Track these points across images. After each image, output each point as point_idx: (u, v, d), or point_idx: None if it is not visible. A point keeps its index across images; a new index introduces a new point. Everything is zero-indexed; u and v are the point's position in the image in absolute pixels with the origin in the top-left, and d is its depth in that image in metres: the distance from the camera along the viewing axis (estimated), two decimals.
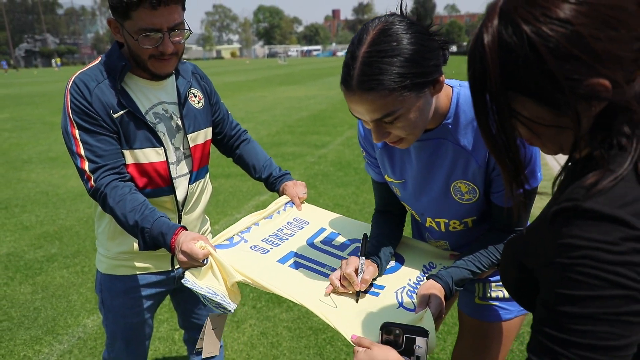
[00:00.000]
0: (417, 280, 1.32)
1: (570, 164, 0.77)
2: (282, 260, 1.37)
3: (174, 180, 1.57)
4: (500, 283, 1.40)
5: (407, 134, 1.09)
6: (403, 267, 1.39)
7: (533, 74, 0.68)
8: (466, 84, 1.22)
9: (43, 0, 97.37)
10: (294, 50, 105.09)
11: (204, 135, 1.66)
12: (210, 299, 1.24)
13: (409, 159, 1.29)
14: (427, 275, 1.29)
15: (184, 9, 1.39)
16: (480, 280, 1.41)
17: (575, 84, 0.66)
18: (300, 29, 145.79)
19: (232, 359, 2.63)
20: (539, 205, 1.13)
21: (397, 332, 0.99)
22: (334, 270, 1.32)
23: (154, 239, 1.35)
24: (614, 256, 0.62)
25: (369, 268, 1.26)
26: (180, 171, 1.59)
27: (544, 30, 0.65)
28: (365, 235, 1.40)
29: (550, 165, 6.09)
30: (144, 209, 1.38)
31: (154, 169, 1.51)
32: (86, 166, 1.41)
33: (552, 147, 0.77)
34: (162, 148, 1.51)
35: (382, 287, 1.28)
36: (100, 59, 1.49)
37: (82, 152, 1.41)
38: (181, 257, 1.29)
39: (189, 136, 1.58)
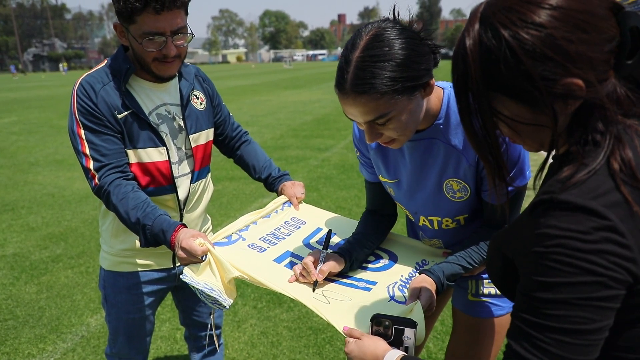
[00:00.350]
0: (409, 276, 1.35)
1: (552, 160, 0.81)
2: (278, 260, 1.41)
3: (175, 180, 1.61)
4: None
5: (398, 135, 1.13)
6: (396, 264, 1.42)
7: (512, 74, 0.72)
8: None
9: (52, 5, 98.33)
10: (300, 54, 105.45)
11: (206, 136, 1.70)
12: (207, 294, 1.28)
13: (402, 159, 1.33)
14: (419, 271, 1.33)
15: (186, 13, 1.44)
16: (473, 277, 1.44)
17: (551, 84, 0.70)
18: (306, 33, 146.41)
19: (232, 358, 2.66)
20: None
21: (387, 323, 1.03)
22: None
23: (155, 236, 1.40)
24: (586, 245, 0.65)
25: (329, 261, 1.30)
26: (182, 171, 1.64)
27: (521, 33, 0.70)
28: (329, 230, 1.45)
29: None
30: (145, 207, 1.42)
31: (156, 168, 1.55)
32: (91, 165, 1.45)
33: (533, 144, 0.81)
34: (165, 148, 1.56)
35: (374, 283, 1.32)
36: (106, 62, 1.54)
37: (87, 151, 1.45)
38: (180, 253, 1.33)
39: (190, 137, 1.63)
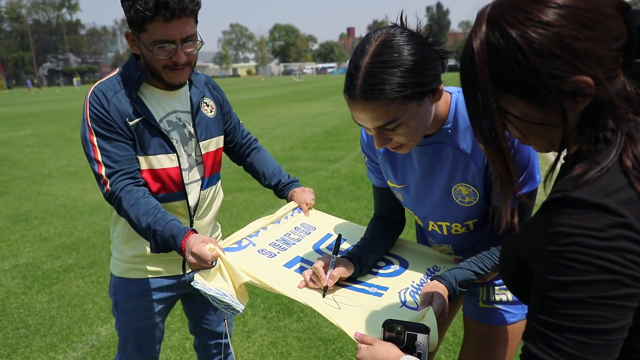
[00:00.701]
0: (420, 282, 1.34)
1: (563, 161, 0.80)
2: (289, 265, 1.41)
3: (186, 186, 1.63)
4: (505, 286, 1.42)
5: (407, 140, 1.13)
6: (407, 270, 1.41)
7: (520, 73, 0.72)
8: None
9: (67, 21, 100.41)
10: (309, 67, 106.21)
11: (216, 143, 1.72)
12: (219, 299, 1.28)
13: (410, 164, 1.33)
14: (431, 277, 1.31)
15: (196, 21, 1.47)
16: (484, 283, 1.42)
17: (560, 82, 0.70)
18: (315, 46, 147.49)
19: None
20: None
21: (399, 329, 1.01)
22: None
23: (165, 242, 1.40)
24: (601, 242, 0.64)
25: (339, 266, 1.29)
26: (192, 177, 1.65)
27: (528, 32, 0.70)
28: (339, 235, 1.44)
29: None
30: (156, 212, 1.43)
31: (167, 174, 1.57)
32: (103, 171, 1.47)
33: (543, 144, 0.81)
34: (175, 154, 1.57)
35: (385, 289, 1.31)
36: (118, 70, 1.57)
37: (100, 158, 1.47)
38: (191, 258, 1.33)
39: (201, 143, 1.64)
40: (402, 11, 1.13)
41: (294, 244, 1.53)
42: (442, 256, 1.46)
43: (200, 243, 1.33)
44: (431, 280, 1.24)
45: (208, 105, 1.70)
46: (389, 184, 1.42)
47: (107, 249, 4.45)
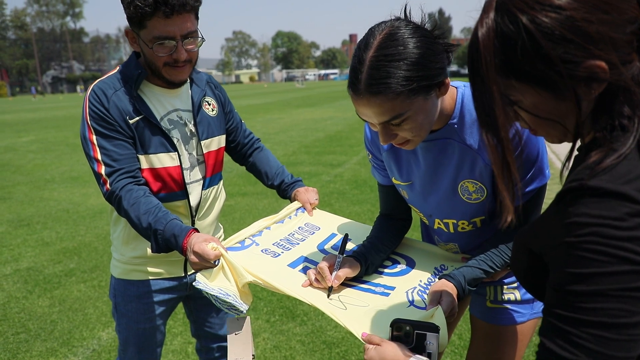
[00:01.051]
0: (428, 281, 1.31)
1: (577, 152, 0.77)
2: (293, 265, 1.38)
3: (187, 186, 1.60)
4: (513, 285, 1.38)
5: (413, 135, 1.11)
6: (414, 270, 1.38)
7: (531, 60, 0.69)
8: (469, 84, 1.24)
9: (70, 29, 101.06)
10: (312, 74, 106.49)
11: (218, 142, 1.70)
12: (222, 300, 1.24)
13: (415, 161, 1.30)
14: (439, 275, 1.28)
15: (197, 17, 1.45)
16: (492, 283, 1.39)
17: (573, 67, 0.67)
18: (318, 53, 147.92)
19: None
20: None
21: (408, 328, 0.98)
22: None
23: (167, 241, 1.38)
24: (620, 232, 0.61)
25: (345, 266, 1.27)
26: (194, 177, 1.63)
27: (539, 17, 0.67)
28: (346, 234, 1.41)
29: (557, 166, 5.99)
30: (157, 212, 1.40)
31: (167, 173, 1.54)
32: (102, 170, 1.45)
33: (555, 134, 0.78)
34: (176, 153, 1.55)
35: (392, 288, 1.28)
36: (118, 68, 1.55)
37: (99, 157, 1.45)
38: (193, 257, 1.30)
39: (202, 142, 1.62)
40: (406, 4, 1.11)
41: (298, 243, 1.50)
42: (449, 255, 1.43)
43: (202, 242, 1.30)
44: (439, 279, 1.20)
45: (210, 104, 1.68)
46: (394, 181, 1.39)
47: (109, 253, 4.42)
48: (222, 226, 1.93)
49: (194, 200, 1.64)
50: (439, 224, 1.38)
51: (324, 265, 1.24)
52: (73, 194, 6.80)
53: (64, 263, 4.26)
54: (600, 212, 0.62)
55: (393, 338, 0.99)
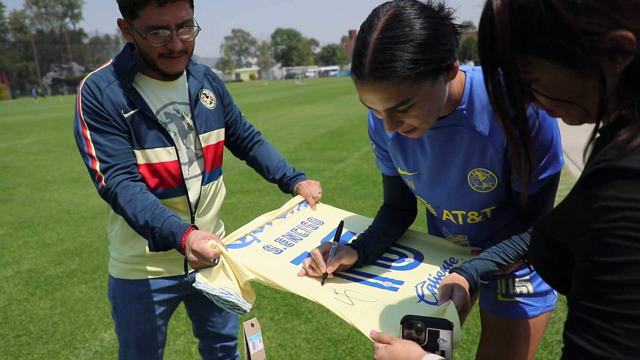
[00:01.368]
0: (437, 275, 1.26)
1: (598, 134, 0.71)
2: (296, 261, 1.33)
3: (186, 181, 1.55)
4: (525, 278, 1.33)
5: (420, 122, 1.05)
6: (422, 263, 1.32)
7: (550, 32, 0.64)
8: (479, 68, 1.18)
9: (70, 31, 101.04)
10: (312, 71, 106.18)
11: (217, 136, 1.64)
12: (224, 299, 1.19)
13: (422, 149, 1.24)
14: (449, 269, 1.23)
15: (192, 6, 1.39)
16: (503, 275, 1.33)
17: (596, 39, 0.62)
18: (318, 50, 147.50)
19: None
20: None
21: (419, 325, 0.92)
22: (349, 271, 1.27)
23: (164, 239, 1.33)
24: None
25: (340, 253, 1.23)
26: (192, 172, 1.58)
27: None
28: (341, 222, 1.36)
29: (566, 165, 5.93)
30: (154, 208, 1.35)
31: (165, 168, 1.49)
32: (97, 166, 1.40)
33: (576, 114, 0.72)
34: (174, 147, 1.49)
35: (400, 283, 1.22)
36: (111, 60, 1.50)
37: (93, 152, 1.40)
38: (191, 256, 1.25)
39: (200, 136, 1.57)
40: None
41: (301, 239, 1.45)
42: (458, 248, 1.38)
43: (201, 240, 1.25)
44: (450, 272, 1.15)
45: (207, 97, 1.62)
46: (400, 171, 1.33)
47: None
48: (222, 223, 1.88)
49: (193, 196, 1.58)
50: (447, 215, 1.32)
51: (317, 251, 1.21)
52: (74, 195, 6.76)
53: (65, 264, 4.22)
54: (632, 194, 0.57)
55: (404, 336, 0.93)
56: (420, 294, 1.17)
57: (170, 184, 1.52)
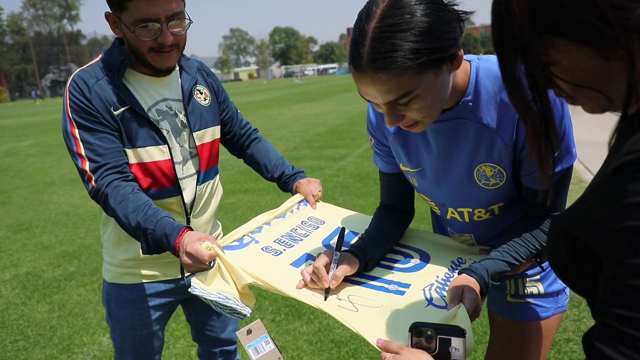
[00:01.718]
0: (445, 276, 1.19)
1: (623, 123, 0.65)
2: (296, 264, 1.26)
3: (180, 181, 1.49)
4: (536, 278, 1.27)
5: (423, 116, 0.99)
6: (429, 264, 1.26)
7: (573, 8, 0.57)
8: (485, 57, 1.12)
9: (68, 32, 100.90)
10: (310, 69, 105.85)
11: (212, 133, 1.58)
12: (223, 304, 1.13)
13: (425, 144, 1.18)
14: (457, 270, 1.17)
15: None
16: (513, 275, 1.27)
17: (625, 14, 0.55)
18: (316, 48, 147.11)
19: None
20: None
21: (429, 333, 0.86)
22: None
23: (158, 241, 1.27)
24: None
25: (343, 264, 1.14)
26: (187, 171, 1.52)
27: None
28: (342, 228, 1.28)
29: (576, 168, 5.87)
30: (147, 209, 1.29)
31: (158, 168, 1.43)
32: (86, 166, 1.34)
33: (599, 101, 0.66)
34: (166, 146, 1.44)
35: (407, 286, 1.16)
36: (100, 56, 1.44)
37: (83, 152, 1.34)
38: (185, 259, 1.19)
39: (195, 134, 1.51)
40: None
41: (301, 240, 1.38)
42: (466, 247, 1.32)
43: (195, 241, 1.19)
44: (459, 274, 1.08)
45: (202, 93, 1.56)
46: (402, 167, 1.27)
47: None
48: (220, 224, 1.82)
49: (188, 196, 1.52)
50: (452, 213, 1.26)
51: (319, 264, 1.12)
52: (73, 197, 6.71)
53: (64, 267, 4.17)
54: None
55: (413, 344, 0.87)
56: (428, 297, 1.10)
57: (164, 184, 1.46)
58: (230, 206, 5.45)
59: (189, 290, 1.16)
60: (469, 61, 1.09)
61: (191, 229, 1.27)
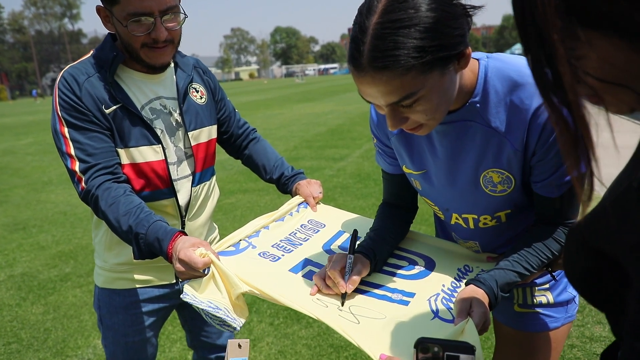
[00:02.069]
0: (452, 286, 1.13)
1: None
2: (295, 270, 1.21)
3: (175, 183, 1.43)
4: (545, 287, 1.21)
5: (427, 118, 0.93)
6: (434, 272, 1.20)
7: None
8: (494, 55, 1.05)
9: (68, 31, 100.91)
10: (311, 69, 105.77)
11: (208, 133, 1.52)
12: (212, 314, 1.08)
13: (430, 146, 1.12)
14: (464, 280, 1.11)
15: None
16: (522, 284, 1.21)
17: None
18: (317, 48, 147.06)
19: None
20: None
21: (436, 349, 0.81)
22: None
23: (150, 246, 1.21)
24: None
25: (357, 267, 1.09)
26: (181, 172, 1.46)
27: None
28: (355, 230, 1.22)
29: None
30: (139, 212, 1.24)
31: (151, 168, 1.37)
32: (76, 167, 1.28)
33: (627, 100, 0.60)
34: (160, 146, 1.38)
35: (412, 295, 1.10)
36: (92, 52, 1.38)
37: (72, 152, 1.28)
38: (178, 266, 1.14)
39: (190, 134, 1.45)
40: None
41: (301, 244, 1.33)
42: (472, 254, 1.26)
43: (189, 247, 1.13)
44: (466, 284, 1.03)
45: (197, 91, 1.51)
46: (405, 170, 1.21)
47: None
48: (217, 227, 1.76)
49: (182, 198, 1.47)
50: (456, 219, 1.20)
51: (334, 270, 1.06)
52: (71, 196, 6.65)
53: (60, 267, 4.11)
54: None
55: None
56: (434, 309, 1.04)
57: (158, 185, 1.40)
58: (229, 207, 5.39)
59: (181, 296, 1.11)
60: (478, 60, 1.03)
61: (185, 234, 1.21)
